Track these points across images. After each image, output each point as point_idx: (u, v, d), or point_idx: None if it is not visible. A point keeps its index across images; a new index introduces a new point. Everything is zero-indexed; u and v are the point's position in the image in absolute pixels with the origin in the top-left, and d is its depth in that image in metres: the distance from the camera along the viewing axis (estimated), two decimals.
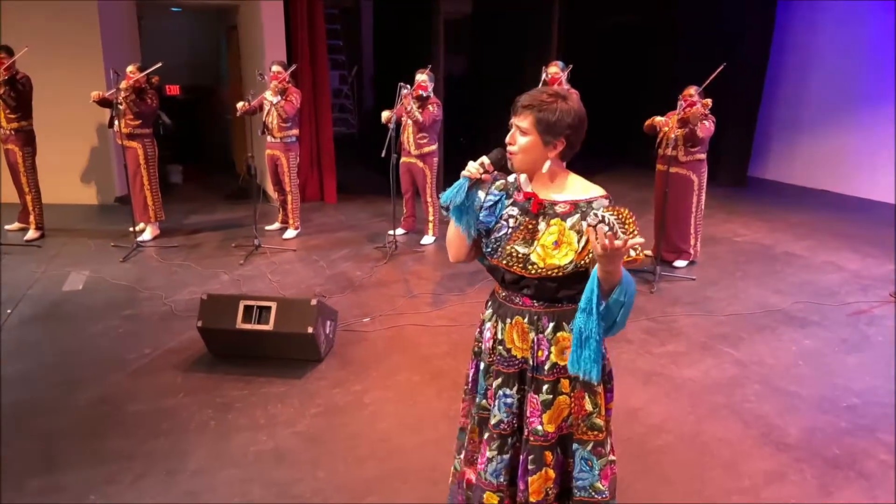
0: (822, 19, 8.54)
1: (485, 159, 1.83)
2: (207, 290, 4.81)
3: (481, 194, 1.90)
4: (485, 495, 1.98)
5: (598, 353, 1.73)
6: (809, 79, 8.79)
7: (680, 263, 5.58)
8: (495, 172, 1.88)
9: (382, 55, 10.08)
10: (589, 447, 1.92)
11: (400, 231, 6.37)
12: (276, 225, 6.53)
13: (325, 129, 7.63)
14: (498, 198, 1.91)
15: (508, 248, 1.83)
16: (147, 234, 6.08)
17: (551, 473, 1.92)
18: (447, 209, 1.87)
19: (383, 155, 5.54)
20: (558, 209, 1.81)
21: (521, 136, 1.79)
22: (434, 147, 6.06)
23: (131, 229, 5.93)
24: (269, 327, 3.58)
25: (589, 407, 1.90)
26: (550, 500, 1.94)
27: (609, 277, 1.64)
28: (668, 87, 6.57)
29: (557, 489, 1.96)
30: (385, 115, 5.72)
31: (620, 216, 1.59)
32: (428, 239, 6.18)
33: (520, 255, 1.81)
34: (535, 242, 1.80)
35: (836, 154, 8.61)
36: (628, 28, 10.25)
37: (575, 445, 1.93)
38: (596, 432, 1.91)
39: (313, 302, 3.64)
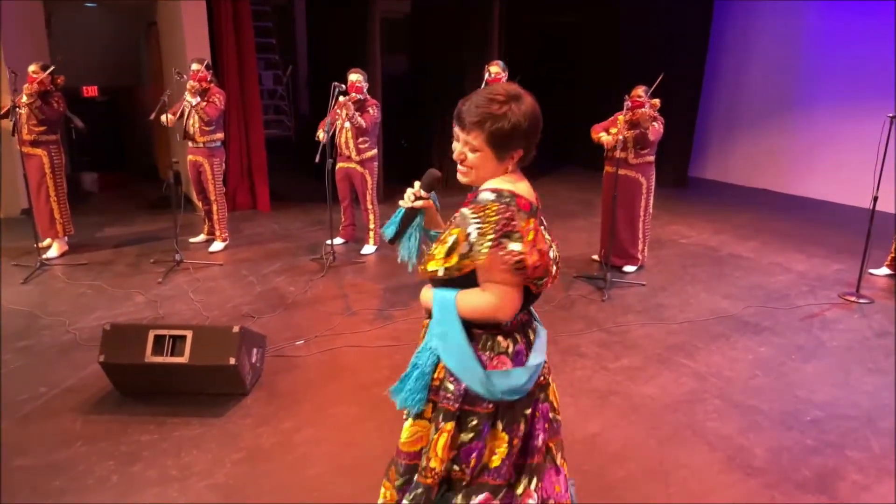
0: (759, 20, 8.61)
1: (417, 186, 1.75)
2: (119, 314, 4.35)
3: (419, 219, 1.81)
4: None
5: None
6: (747, 79, 8.86)
7: (629, 269, 5.41)
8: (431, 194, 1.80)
9: (317, 55, 9.63)
10: (418, 490, 1.74)
11: (338, 241, 5.97)
12: (202, 237, 6.02)
13: (256, 133, 7.15)
14: None
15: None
16: (54, 251, 5.48)
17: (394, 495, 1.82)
18: (392, 242, 1.81)
19: (317, 160, 5.14)
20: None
21: (471, 153, 1.63)
22: (375, 151, 5.71)
23: (35, 246, 5.32)
24: (183, 360, 3.15)
25: (431, 436, 1.72)
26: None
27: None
28: (608, 87, 6.45)
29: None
30: (320, 134, 5.34)
31: (479, 213, 1.57)
32: (369, 248, 5.81)
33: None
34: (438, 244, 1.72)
35: (774, 153, 8.70)
36: (568, 27, 10.14)
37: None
38: (423, 473, 1.71)
39: (235, 329, 3.22)
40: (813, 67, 8.15)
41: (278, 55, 11.04)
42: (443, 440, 1.66)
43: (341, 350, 3.92)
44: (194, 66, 5.31)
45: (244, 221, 6.75)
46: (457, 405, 1.67)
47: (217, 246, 5.81)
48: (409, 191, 1.75)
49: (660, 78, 4.99)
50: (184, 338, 3.18)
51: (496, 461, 1.70)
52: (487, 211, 1.56)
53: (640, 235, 5.36)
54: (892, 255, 5.36)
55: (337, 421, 3.16)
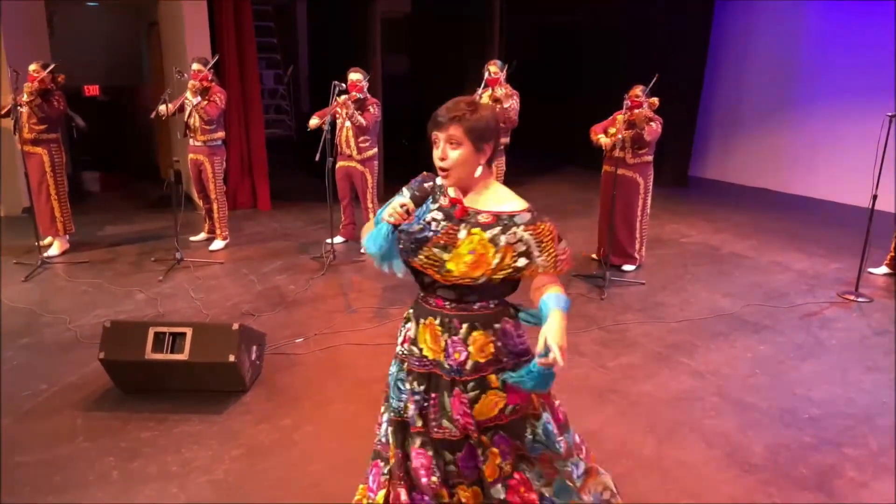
0: (759, 19, 8.61)
1: (407, 202, 1.79)
2: (120, 312, 4.36)
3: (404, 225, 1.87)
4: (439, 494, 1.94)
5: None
6: (747, 78, 8.85)
7: (628, 268, 5.41)
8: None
9: (318, 54, 9.65)
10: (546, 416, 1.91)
11: (338, 239, 5.98)
12: (202, 235, 6.03)
13: (257, 132, 7.16)
14: (438, 206, 1.88)
15: (427, 250, 1.81)
16: (55, 249, 5.50)
17: (495, 451, 1.89)
18: (379, 260, 1.89)
19: (317, 158, 5.15)
20: (481, 219, 1.81)
21: (452, 150, 1.77)
22: (375, 150, 5.72)
23: (37, 244, 5.34)
24: (183, 357, 3.16)
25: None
26: (506, 472, 1.90)
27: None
28: (609, 86, 6.45)
29: (509, 463, 1.91)
30: (313, 121, 5.36)
31: (538, 235, 1.77)
32: None
33: (436, 259, 1.80)
34: (454, 249, 1.79)
35: (774, 152, 8.70)
36: (569, 26, 10.15)
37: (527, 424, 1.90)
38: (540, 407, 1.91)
39: (235, 326, 3.24)
40: (813, 67, 8.14)
41: (279, 55, 11.05)
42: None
43: (341, 348, 3.94)
44: (195, 66, 5.32)
45: (244, 220, 6.76)
46: (526, 359, 1.89)
47: (217, 244, 5.82)
48: (396, 205, 1.78)
49: (655, 78, 5.00)
50: (184, 335, 3.19)
51: None
52: (540, 228, 1.79)
53: (638, 235, 5.37)
54: (892, 254, 5.36)
55: (336, 418, 3.17)
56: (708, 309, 4.66)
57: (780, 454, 2.96)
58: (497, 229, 1.78)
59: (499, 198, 1.84)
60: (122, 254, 5.63)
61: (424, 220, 1.85)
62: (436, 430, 1.89)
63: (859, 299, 4.83)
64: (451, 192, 1.87)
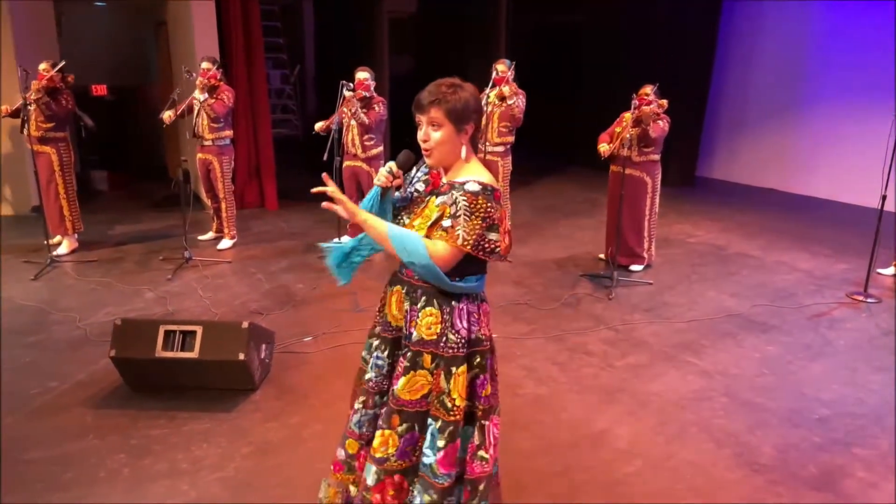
0: (766, 19, 8.59)
1: (392, 165, 1.92)
2: (129, 310, 4.38)
3: (397, 195, 2.01)
4: (347, 441, 2.12)
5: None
6: (754, 78, 8.83)
7: (636, 268, 5.41)
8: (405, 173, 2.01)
9: (325, 54, 9.67)
10: (437, 424, 1.93)
11: (346, 238, 5.95)
12: (210, 234, 6.06)
13: (264, 131, 7.18)
14: (425, 175, 2.01)
15: (405, 223, 1.94)
16: (63, 248, 5.53)
17: (395, 439, 1.95)
18: None
19: (325, 158, 5.17)
20: (443, 189, 1.90)
21: (434, 131, 1.85)
22: (380, 149, 5.72)
23: (46, 242, 5.37)
24: (193, 355, 3.18)
25: (443, 385, 1.92)
26: (393, 467, 1.96)
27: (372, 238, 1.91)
28: (614, 86, 6.45)
29: (403, 462, 1.97)
30: (318, 125, 5.42)
31: (472, 205, 1.80)
32: None
33: (403, 225, 1.92)
34: (419, 217, 1.91)
35: (781, 153, 8.68)
36: (574, 26, 10.14)
37: (429, 421, 1.95)
38: (444, 411, 1.92)
39: (245, 324, 3.25)
40: (820, 67, 8.12)
41: (286, 54, 11.07)
42: (461, 382, 1.91)
43: (349, 347, 3.94)
44: (204, 65, 5.35)
45: (252, 219, 6.78)
46: (464, 350, 1.92)
47: (225, 243, 5.84)
48: (383, 170, 1.93)
49: (655, 86, 5.03)
50: (194, 333, 3.20)
51: (490, 389, 2.01)
52: (478, 204, 1.81)
53: (646, 235, 5.36)
54: None
55: (345, 416, 3.14)
56: (715, 309, 4.65)
57: (789, 454, 2.95)
58: (446, 196, 1.87)
59: (468, 172, 1.90)
60: (131, 252, 5.66)
61: (410, 191, 2.00)
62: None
63: (868, 300, 4.81)
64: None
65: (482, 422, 1.99)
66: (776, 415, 3.29)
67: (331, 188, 1.88)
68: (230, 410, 3.20)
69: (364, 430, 2.08)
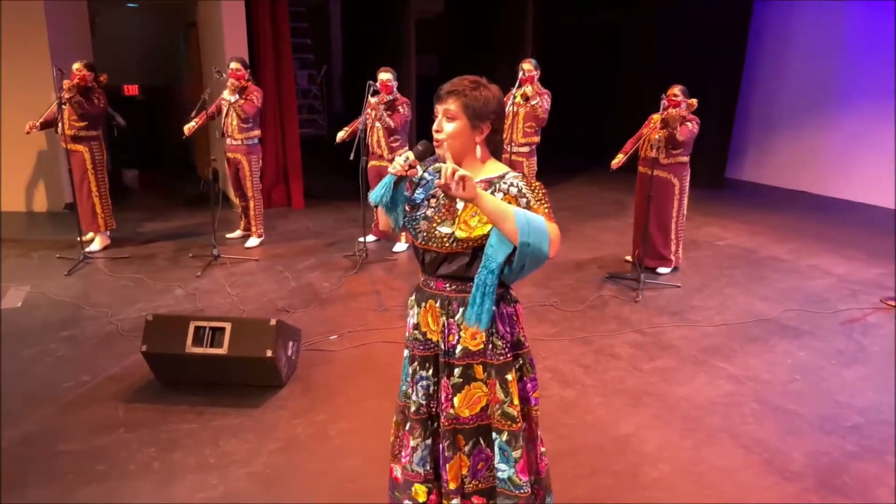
0: (798, 20, 8.43)
1: (409, 154, 1.83)
2: (159, 306, 4.46)
3: (403, 185, 1.92)
4: (413, 487, 1.96)
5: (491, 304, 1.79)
6: (785, 79, 8.68)
7: (663, 270, 5.34)
8: (422, 162, 1.91)
9: (352, 55, 9.73)
10: (504, 437, 1.90)
11: (371, 238, 6.02)
12: (238, 233, 6.14)
13: (292, 131, 7.25)
14: (432, 177, 1.94)
15: (431, 229, 1.86)
16: (96, 245, 5.64)
17: (465, 460, 1.91)
18: (376, 206, 1.89)
19: (351, 158, 5.20)
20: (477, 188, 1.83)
21: (448, 123, 1.80)
22: (406, 150, 5.73)
23: (79, 239, 5.48)
24: (222, 351, 3.22)
25: (501, 395, 1.89)
26: (467, 489, 1.92)
27: (489, 217, 1.70)
28: (644, 87, 6.38)
29: (479, 482, 1.93)
30: (340, 134, 5.54)
31: (531, 188, 1.77)
32: (401, 246, 5.85)
33: (444, 236, 1.83)
34: (457, 220, 1.83)
35: (811, 155, 8.51)
36: (604, 26, 10.07)
37: (493, 435, 1.91)
38: (509, 422, 1.89)
39: (272, 322, 3.28)
40: (852, 67, 7.94)
41: (313, 55, 11.16)
42: (515, 388, 1.90)
43: (374, 345, 3.96)
44: (234, 65, 5.41)
45: (279, 218, 6.85)
46: (511, 355, 1.90)
47: (253, 242, 5.91)
48: (399, 160, 1.81)
49: (679, 87, 4.97)
50: (223, 330, 3.24)
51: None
52: (534, 185, 1.79)
53: (673, 237, 5.29)
54: None
55: (371, 414, 3.19)
56: (745, 313, 4.57)
57: (822, 462, 2.89)
58: (491, 190, 1.80)
59: (492, 170, 1.87)
60: (161, 250, 5.75)
61: (428, 196, 1.92)
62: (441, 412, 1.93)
63: None
64: (449, 161, 1.79)
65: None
66: (808, 421, 3.22)
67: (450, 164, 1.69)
68: (257, 406, 3.24)
69: (427, 466, 1.95)
